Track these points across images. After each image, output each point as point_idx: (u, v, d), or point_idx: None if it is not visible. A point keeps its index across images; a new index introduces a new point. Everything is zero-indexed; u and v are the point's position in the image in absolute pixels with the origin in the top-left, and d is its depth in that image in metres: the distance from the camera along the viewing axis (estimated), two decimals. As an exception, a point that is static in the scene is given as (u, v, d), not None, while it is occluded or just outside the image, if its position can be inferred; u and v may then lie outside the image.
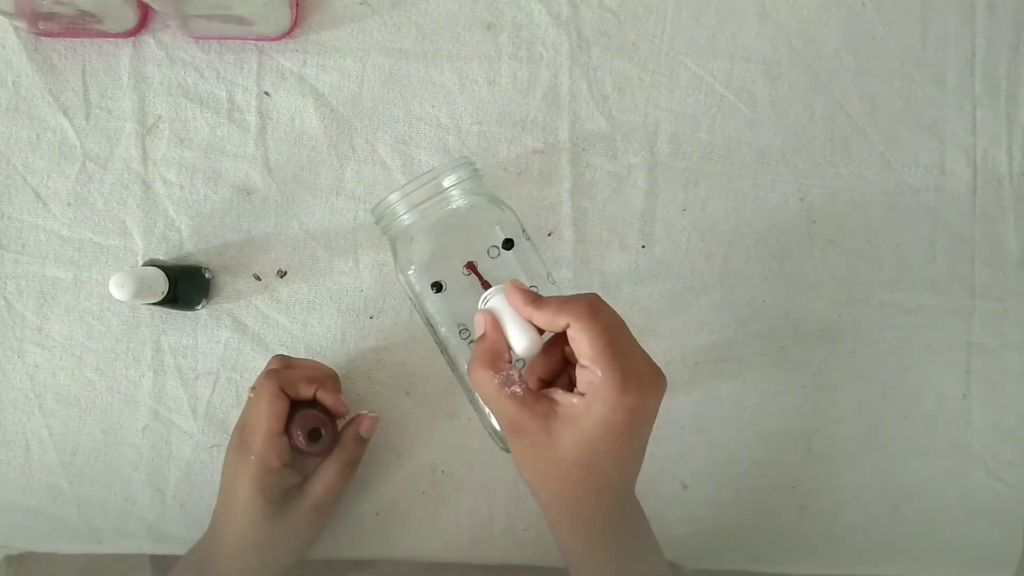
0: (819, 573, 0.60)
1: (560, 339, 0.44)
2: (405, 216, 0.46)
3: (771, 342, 0.58)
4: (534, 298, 0.42)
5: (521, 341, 0.42)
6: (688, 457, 0.58)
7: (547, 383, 0.44)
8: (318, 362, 0.53)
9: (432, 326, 0.48)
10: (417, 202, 0.46)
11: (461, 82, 0.57)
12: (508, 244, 0.47)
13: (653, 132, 0.58)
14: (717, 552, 0.59)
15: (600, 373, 0.39)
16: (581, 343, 0.39)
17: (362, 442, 0.53)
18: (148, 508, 0.56)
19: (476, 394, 0.48)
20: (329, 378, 0.52)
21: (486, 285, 0.46)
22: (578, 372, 0.40)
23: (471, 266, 0.47)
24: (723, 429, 0.58)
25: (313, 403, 0.51)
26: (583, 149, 0.58)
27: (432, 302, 0.47)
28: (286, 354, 0.53)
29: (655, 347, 0.57)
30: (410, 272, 0.47)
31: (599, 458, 0.40)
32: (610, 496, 0.43)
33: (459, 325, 0.47)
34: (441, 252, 0.47)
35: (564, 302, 0.41)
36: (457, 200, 0.47)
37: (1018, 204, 0.59)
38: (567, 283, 0.57)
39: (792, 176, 0.58)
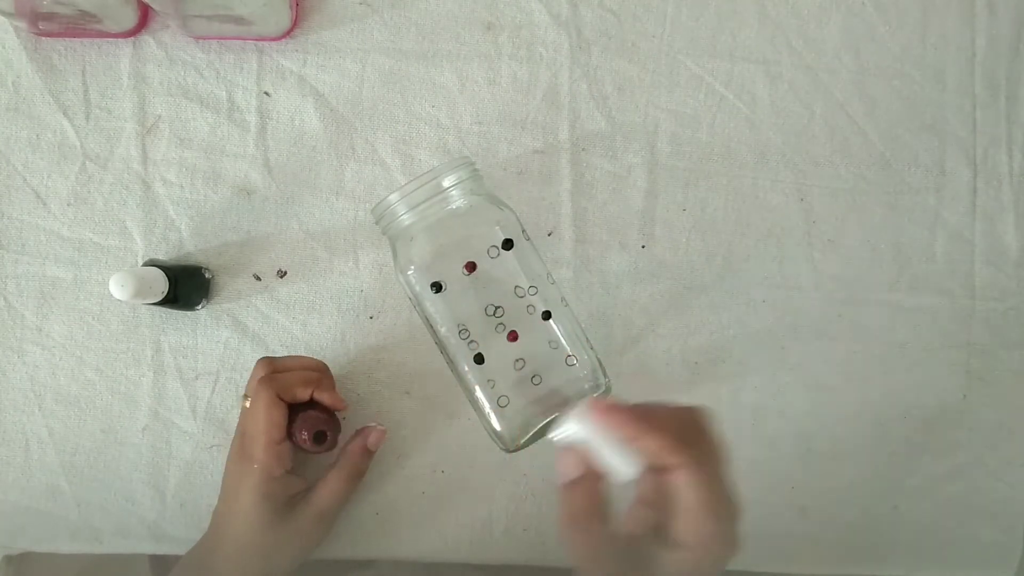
0: (819, 573, 0.60)
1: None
2: (405, 216, 0.46)
3: (771, 342, 0.58)
4: (635, 414, 0.36)
5: (626, 469, 0.36)
6: (688, 457, 0.58)
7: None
8: (306, 357, 0.53)
9: (432, 326, 0.48)
10: (417, 202, 0.46)
11: (461, 82, 0.57)
12: (508, 244, 0.47)
13: (653, 132, 0.58)
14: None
15: (713, 528, 0.36)
16: (695, 491, 0.36)
17: (369, 455, 0.53)
18: (148, 508, 0.56)
19: (476, 395, 0.48)
20: (323, 375, 0.52)
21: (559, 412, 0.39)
22: (680, 515, 0.36)
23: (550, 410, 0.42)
24: (723, 429, 0.58)
25: (311, 403, 0.50)
26: (583, 149, 0.58)
27: (432, 302, 0.47)
28: (274, 355, 0.52)
29: (655, 347, 0.58)
30: (410, 272, 0.47)
31: None
32: None
33: (459, 325, 0.47)
34: (441, 252, 0.47)
35: (677, 438, 0.36)
36: (457, 200, 0.47)
37: (1018, 204, 0.59)
38: (567, 283, 0.57)
39: (792, 176, 0.58)
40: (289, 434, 0.49)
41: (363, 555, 0.57)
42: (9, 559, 0.57)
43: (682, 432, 0.37)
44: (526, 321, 0.48)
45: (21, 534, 0.56)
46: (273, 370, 0.49)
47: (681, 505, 0.36)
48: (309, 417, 0.49)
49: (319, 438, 0.49)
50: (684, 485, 0.36)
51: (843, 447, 0.59)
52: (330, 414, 0.51)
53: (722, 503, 0.37)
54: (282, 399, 0.48)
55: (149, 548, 0.57)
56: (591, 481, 0.37)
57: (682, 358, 0.58)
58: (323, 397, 0.50)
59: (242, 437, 0.49)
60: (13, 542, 0.57)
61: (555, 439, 0.39)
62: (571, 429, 0.38)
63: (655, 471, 0.38)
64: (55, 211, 0.55)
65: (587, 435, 0.37)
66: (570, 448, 0.38)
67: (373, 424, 0.53)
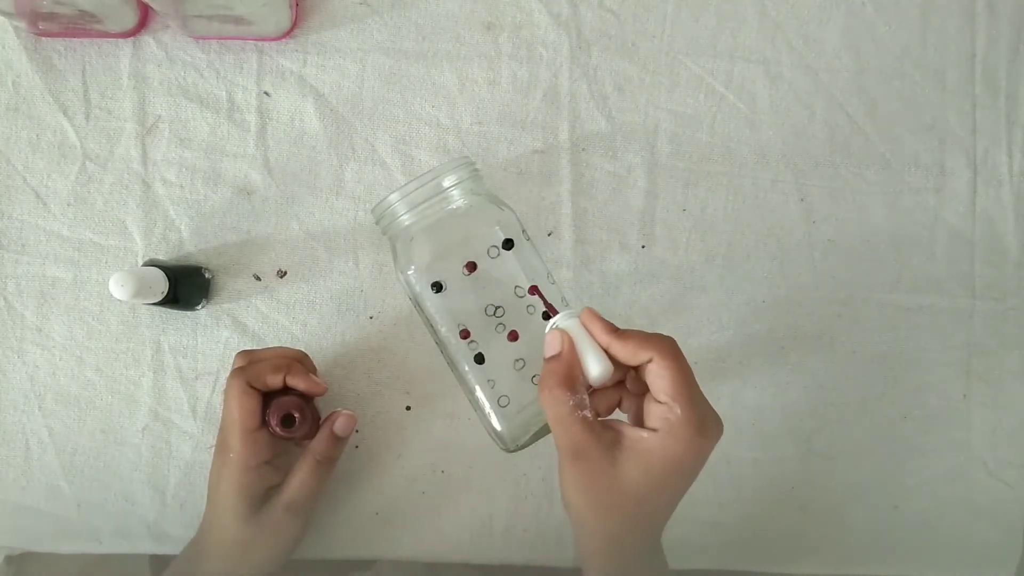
0: (819, 573, 0.60)
1: (624, 366, 0.43)
2: (405, 216, 0.46)
3: (771, 342, 0.58)
4: (615, 328, 0.42)
5: (596, 367, 0.41)
6: (688, 457, 0.58)
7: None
8: (283, 348, 0.52)
9: (432, 326, 0.48)
10: (417, 202, 0.46)
11: (461, 82, 0.57)
12: (508, 244, 0.47)
13: (653, 132, 0.58)
14: (717, 552, 0.59)
15: (679, 412, 0.39)
16: (663, 379, 0.40)
17: (337, 440, 0.51)
18: (148, 508, 0.56)
19: (476, 395, 0.48)
20: (296, 361, 0.51)
21: (552, 309, 0.45)
22: (651, 407, 0.41)
23: (535, 290, 0.47)
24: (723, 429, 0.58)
25: (289, 390, 0.50)
26: (583, 149, 0.58)
27: (432, 302, 0.47)
28: (252, 348, 0.52)
29: (655, 347, 0.57)
30: (410, 272, 0.47)
31: (657, 494, 0.41)
32: (653, 531, 0.44)
33: (459, 325, 0.47)
34: (441, 252, 0.47)
35: (647, 337, 0.41)
36: (457, 200, 0.47)
37: (1018, 204, 0.59)
38: (567, 283, 0.57)
39: (792, 176, 0.58)
40: (265, 423, 0.49)
41: (363, 555, 0.57)
42: (9, 559, 0.57)
43: (651, 335, 0.41)
44: (526, 321, 0.48)
45: (21, 534, 0.56)
46: (248, 361, 0.49)
47: (656, 396, 0.40)
48: (279, 402, 0.48)
49: (287, 422, 0.48)
50: (654, 375, 0.40)
51: (843, 447, 0.59)
52: (306, 400, 0.50)
53: (691, 393, 0.40)
54: (254, 387, 0.48)
55: (149, 548, 0.57)
56: (568, 358, 0.42)
57: (682, 358, 0.58)
58: (296, 382, 0.49)
59: (220, 430, 0.49)
60: (13, 542, 0.57)
61: (547, 328, 0.44)
62: (561, 322, 0.43)
63: (636, 382, 0.43)
64: (55, 211, 0.55)
65: (573, 329, 0.43)
66: (562, 331, 0.43)
67: (340, 409, 0.52)
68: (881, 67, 0.59)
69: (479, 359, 0.47)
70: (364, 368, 0.56)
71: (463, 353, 0.47)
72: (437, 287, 0.46)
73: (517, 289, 0.47)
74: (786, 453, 0.59)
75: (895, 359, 0.59)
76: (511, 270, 0.47)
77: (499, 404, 0.47)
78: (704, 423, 0.40)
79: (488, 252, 0.47)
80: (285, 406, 0.48)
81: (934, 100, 0.59)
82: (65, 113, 0.55)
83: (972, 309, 0.59)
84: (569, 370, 0.41)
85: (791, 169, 0.58)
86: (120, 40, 0.56)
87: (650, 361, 0.40)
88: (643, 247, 0.58)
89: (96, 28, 0.54)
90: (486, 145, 0.57)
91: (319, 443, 0.50)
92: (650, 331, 0.42)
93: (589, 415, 0.41)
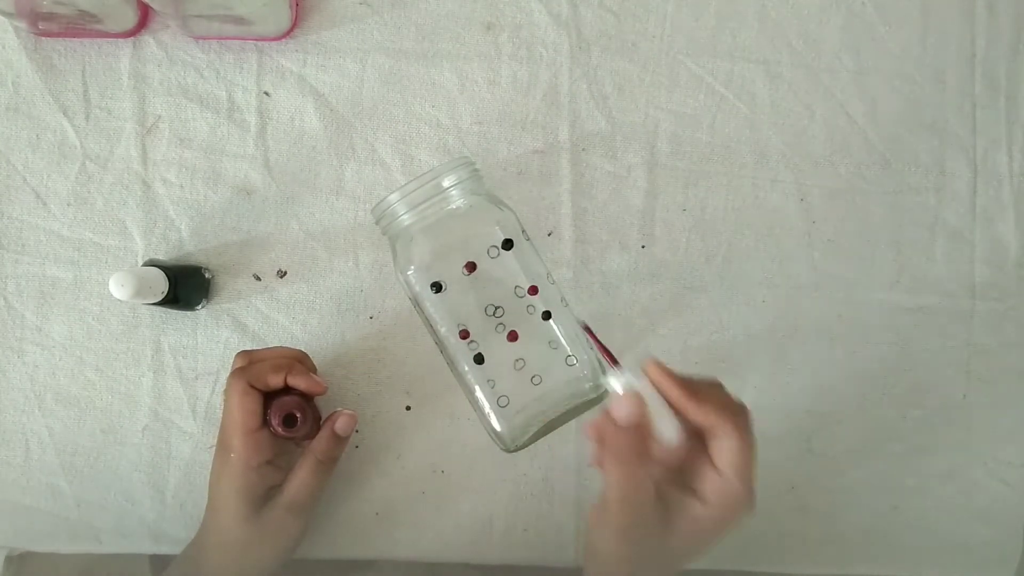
0: (819, 573, 0.60)
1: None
2: (405, 216, 0.46)
3: (771, 342, 0.58)
4: (689, 387, 0.40)
5: (670, 433, 0.40)
6: (688, 457, 0.58)
7: None
8: (284, 347, 0.52)
9: (432, 326, 0.48)
10: (417, 202, 0.46)
11: (461, 82, 0.57)
12: (508, 244, 0.47)
13: (653, 132, 0.58)
14: (717, 552, 0.58)
15: (739, 487, 0.39)
16: (731, 453, 0.39)
17: (338, 440, 0.51)
18: (148, 508, 0.56)
19: (476, 395, 0.48)
20: (297, 360, 0.51)
21: (611, 359, 0.42)
22: (708, 474, 0.40)
23: (587, 329, 0.44)
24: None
25: (290, 390, 0.50)
26: (583, 149, 0.58)
27: (432, 302, 0.47)
28: (252, 348, 0.52)
29: (655, 347, 0.58)
30: (410, 272, 0.47)
31: (696, 554, 0.42)
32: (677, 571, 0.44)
33: (458, 325, 0.47)
34: (441, 252, 0.47)
35: (724, 404, 0.40)
36: (457, 200, 0.47)
37: (1018, 204, 0.59)
38: (567, 283, 0.57)
39: (792, 176, 0.58)
40: (267, 422, 0.49)
41: (363, 555, 0.57)
42: (9, 559, 0.57)
43: (727, 403, 0.40)
44: (526, 321, 0.48)
45: (21, 534, 0.56)
46: (249, 361, 0.49)
47: (713, 462, 0.40)
48: (281, 402, 0.48)
49: (289, 421, 0.48)
50: (723, 447, 0.39)
51: (843, 447, 0.59)
52: (307, 399, 0.50)
53: (751, 471, 0.40)
54: (255, 388, 0.48)
55: (149, 548, 0.57)
56: (644, 428, 0.40)
57: (682, 358, 0.58)
58: (297, 382, 0.49)
59: (221, 430, 0.49)
60: (13, 542, 0.57)
61: (609, 384, 0.41)
62: (627, 381, 0.40)
63: (694, 436, 0.41)
64: (55, 211, 0.55)
65: (643, 389, 0.40)
66: (637, 394, 0.40)
67: (340, 409, 0.52)
68: (881, 67, 0.59)
69: (479, 359, 0.47)
70: (364, 368, 0.56)
71: (463, 353, 0.47)
72: (437, 287, 0.46)
73: (517, 289, 0.47)
74: (786, 453, 0.59)
75: (895, 359, 0.59)
76: (511, 270, 0.47)
77: (499, 404, 0.47)
78: (753, 498, 0.40)
79: (488, 252, 0.47)
80: (286, 406, 0.48)
81: (934, 100, 0.59)
82: (65, 113, 0.55)
83: (972, 309, 0.59)
84: (646, 443, 0.39)
85: (791, 169, 0.58)
86: (120, 40, 0.56)
87: (720, 429, 0.39)
88: (643, 247, 0.58)
89: (96, 28, 0.54)
90: (486, 145, 0.57)
91: (320, 443, 0.50)
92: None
93: (652, 488, 0.40)
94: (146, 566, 0.59)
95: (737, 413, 0.40)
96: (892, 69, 0.59)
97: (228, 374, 0.50)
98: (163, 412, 0.56)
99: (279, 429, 0.48)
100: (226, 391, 0.48)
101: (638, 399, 0.39)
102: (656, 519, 0.40)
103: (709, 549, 0.43)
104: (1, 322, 0.55)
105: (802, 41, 0.59)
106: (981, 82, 0.59)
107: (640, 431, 0.40)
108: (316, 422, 0.50)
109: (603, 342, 0.43)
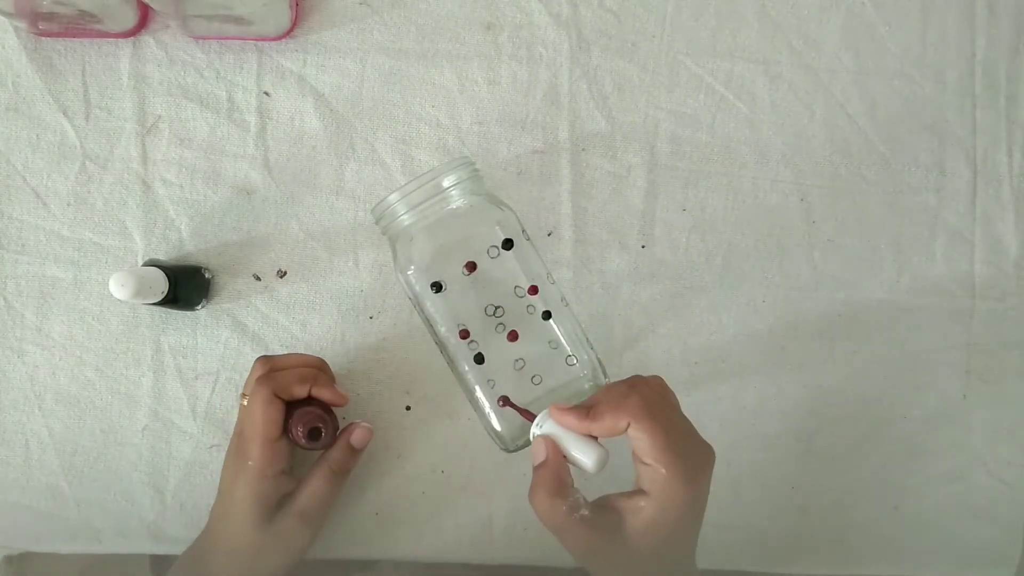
0: (819, 573, 0.60)
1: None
2: (405, 216, 0.46)
3: (771, 342, 0.58)
4: (585, 411, 0.42)
5: (590, 458, 0.42)
6: (688, 457, 0.58)
7: None
8: (304, 355, 0.52)
9: (432, 326, 0.48)
10: (417, 202, 0.46)
11: (461, 82, 0.57)
12: (508, 244, 0.47)
13: (653, 132, 0.58)
14: (717, 552, 0.59)
15: (664, 471, 0.40)
16: (641, 442, 0.40)
17: (353, 452, 0.52)
18: (148, 508, 0.56)
19: (476, 395, 0.48)
20: (321, 371, 0.51)
21: (528, 416, 0.45)
22: (640, 468, 0.41)
23: (505, 400, 0.47)
24: (723, 429, 0.58)
25: (309, 399, 0.50)
26: (583, 149, 0.58)
27: (432, 302, 0.47)
28: (269, 354, 0.52)
29: (655, 347, 0.58)
30: (410, 272, 0.47)
31: (672, 544, 0.42)
32: (680, 568, 0.44)
33: (458, 325, 0.47)
34: (441, 252, 0.47)
35: (617, 405, 0.41)
36: (457, 200, 0.47)
37: (1018, 204, 0.59)
38: (567, 283, 0.57)
39: (792, 176, 0.58)
40: (286, 431, 0.49)
41: (363, 555, 0.57)
42: (9, 559, 0.57)
43: (621, 400, 0.41)
44: (526, 321, 0.48)
45: (21, 534, 0.56)
46: (271, 368, 0.49)
47: (636, 453, 0.41)
48: (305, 414, 0.49)
49: (314, 434, 0.48)
50: (633, 440, 0.41)
51: (843, 447, 0.59)
52: (327, 410, 0.50)
53: (672, 448, 0.40)
54: (279, 397, 0.48)
55: (149, 548, 0.57)
56: (554, 463, 0.42)
57: (682, 358, 0.58)
58: (322, 393, 0.49)
59: (239, 436, 0.49)
60: (13, 542, 0.57)
61: (531, 435, 0.45)
62: (542, 427, 0.44)
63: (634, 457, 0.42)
64: (55, 211, 0.55)
65: (553, 430, 0.43)
66: (544, 436, 0.44)
67: (357, 421, 0.53)
68: (881, 67, 0.59)
69: (479, 359, 0.47)
70: (364, 368, 0.56)
71: (463, 353, 0.47)
72: (437, 287, 0.46)
73: (517, 289, 0.48)
74: (786, 453, 0.59)
75: (895, 359, 0.59)
76: (511, 270, 0.47)
77: (499, 404, 0.47)
78: (691, 468, 0.40)
79: (488, 252, 0.47)
80: (311, 418, 0.49)
81: (934, 100, 0.59)
82: (65, 113, 0.55)
83: (972, 309, 0.59)
84: (556, 476, 0.42)
85: (791, 169, 0.58)
86: (120, 40, 0.56)
87: (628, 426, 0.41)
88: (643, 247, 0.58)
89: (96, 28, 0.54)
90: (486, 145, 0.57)
91: (336, 453, 0.51)
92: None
93: (587, 513, 0.41)
94: (146, 566, 0.59)
95: (632, 403, 0.41)
96: (892, 69, 0.59)
97: (247, 379, 0.50)
98: (163, 412, 0.56)
99: (303, 441, 0.48)
100: (248, 397, 0.48)
101: (542, 441, 0.43)
102: (608, 532, 0.41)
103: (688, 535, 0.43)
104: (1, 322, 0.55)
105: (802, 41, 0.59)
106: (981, 82, 0.59)
107: (551, 467, 0.42)
108: (335, 432, 0.51)
109: (518, 405, 0.47)
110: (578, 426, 0.42)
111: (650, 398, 0.41)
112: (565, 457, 0.43)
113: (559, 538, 0.42)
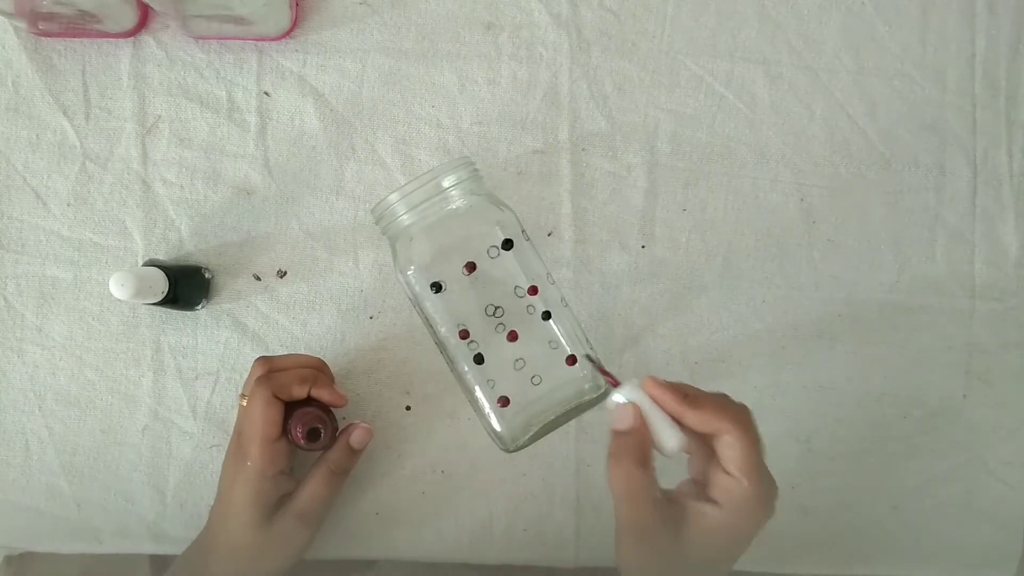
0: (819, 573, 0.60)
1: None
2: (405, 216, 0.46)
3: (771, 342, 0.58)
4: (684, 395, 0.41)
5: (672, 441, 0.41)
6: (688, 457, 0.58)
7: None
8: (303, 355, 0.52)
9: (432, 326, 0.48)
10: (417, 202, 0.46)
11: (461, 82, 0.57)
12: (508, 244, 0.47)
13: (653, 132, 0.58)
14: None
15: (747, 487, 0.39)
16: (734, 451, 0.40)
17: (352, 452, 0.52)
18: (148, 508, 0.56)
19: (476, 395, 0.48)
20: (320, 372, 0.51)
21: (613, 380, 0.44)
22: (718, 476, 0.40)
23: (601, 370, 0.46)
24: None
25: (308, 400, 0.50)
26: (583, 149, 0.58)
27: (432, 302, 0.47)
28: (269, 354, 0.53)
29: (655, 347, 0.58)
30: (410, 272, 0.47)
31: (719, 563, 0.41)
32: None
33: (458, 325, 0.47)
34: (441, 252, 0.47)
35: (722, 406, 0.41)
36: (457, 200, 0.47)
37: (1018, 204, 0.59)
38: (567, 283, 0.57)
39: (792, 176, 0.58)
40: (286, 432, 0.49)
41: (363, 555, 0.57)
42: (9, 559, 0.57)
43: (724, 402, 0.41)
44: (526, 321, 0.48)
45: (21, 534, 0.57)
46: (270, 369, 0.49)
47: (722, 465, 0.40)
48: (304, 414, 0.49)
49: (313, 435, 0.48)
50: (726, 446, 0.40)
51: (843, 447, 0.59)
52: (327, 411, 0.50)
53: (760, 468, 0.40)
54: (279, 398, 0.48)
55: (149, 548, 0.57)
56: (640, 432, 0.41)
57: (682, 358, 0.58)
58: (321, 394, 0.49)
59: (238, 436, 0.49)
60: (13, 542, 0.57)
61: (610, 403, 0.43)
62: (628, 394, 0.42)
63: (701, 442, 0.42)
64: (55, 211, 0.55)
65: (641, 401, 0.41)
66: (633, 404, 0.42)
67: (357, 421, 0.53)
68: (881, 67, 0.59)
69: (479, 359, 0.47)
70: (364, 368, 0.56)
71: (463, 353, 0.47)
72: (437, 287, 0.46)
73: (517, 289, 0.47)
74: (786, 453, 0.59)
75: (895, 359, 0.59)
76: (511, 270, 0.47)
77: (499, 404, 0.47)
78: (768, 496, 0.40)
79: (488, 252, 0.47)
80: (311, 419, 0.49)
81: (934, 100, 0.59)
82: (65, 113, 0.55)
83: (972, 309, 0.59)
84: (642, 446, 0.41)
85: (791, 169, 0.58)
86: (120, 40, 0.56)
87: (724, 431, 0.40)
88: (643, 247, 0.58)
89: (96, 28, 0.54)
90: (486, 145, 0.57)
91: (335, 454, 0.51)
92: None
93: (659, 494, 0.40)
94: (146, 566, 0.59)
95: (736, 412, 0.41)
96: (892, 69, 0.59)
97: (246, 379, 0.50)
98: (163, 412, 0.56)
99: (302, 442, 0.48)
100: (248, 398, 0.48)
101: (632, 409, 0.41)
102: (669, 525, 0.40)
103: (733, 557, 0.42)
104: (1, 322, 0.55)
105: (802, 41, 0.59)
106: (981, 82, 0.59)
107: (636, 436, 0.41)
108: (334, 433, 0.51)
109: (601, 365, 0.46)
110: (673, 406, 0.41)
111: (751, 418, 0.41)
112: None
113: (623, 509, 0.41)
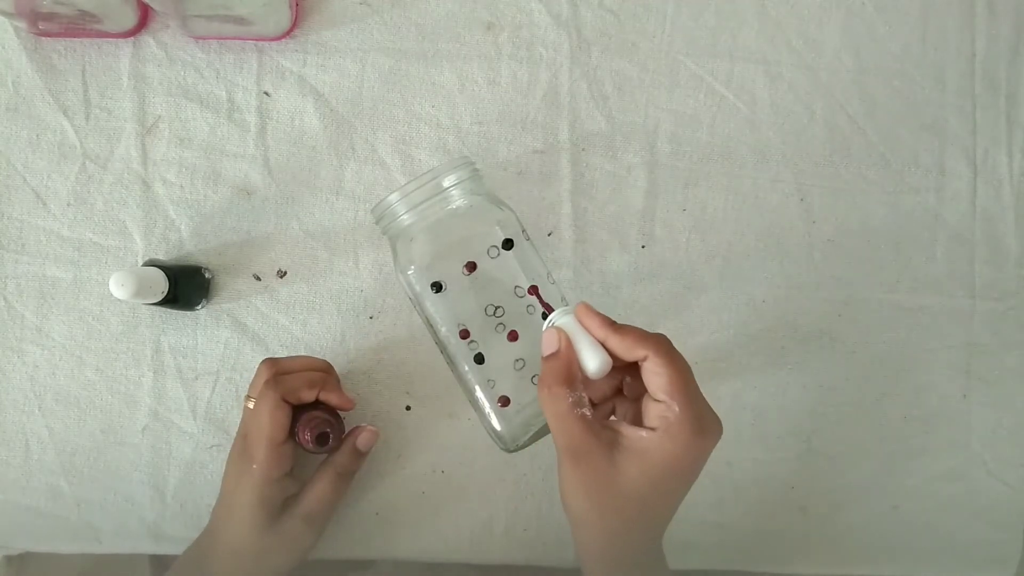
0: (819, 573, 0.60)
1: (621, 370, 0.43)
2: (405, 216, 0.46)
3: (771, 342, 0.58)
4: (611, 322, 0.42)
5: (594, 360, 0.41)
6: (688, 457, 0.58)
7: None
8: (310, 358, 0.52)
9: (432, 326, 0.48)
10: (417, 202, 0.46)
11: (461, 82, 0.57)
12: (508, 244, 0.47)
13: (653, 132, 0.58)
14: (717, 552, 0.59)
15: (677, 410, 0.39)
16: (659, 377, 0.40)
17: (358, 455, 0.52)
18: (148, 508, 0.56)
19: (476, 395, 0.48)
20: (328, 376, 0.51)
21: (548, 307, 0.45)
22: (650, 406, 0.40)
23: (533, 290, 0.46)
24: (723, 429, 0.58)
25: (315, 402, 0.50)
26: (583, 149, 0.58)
27: (432, 302, 0.47)
28: (275, 356, 0.52)
29: (655, 347, 0.57)
30: (410, 272, 0.47)
31: (657, 495, 0.41)
32: (654, 533, 0.44)
33: (458, 325, 0.47)
34: (441, 252, 0.47)
35: (644, 334, 0.41)
36: (457, 200, 0.47)
37: (1018, 204, 0.59)
38: (567, 283, 0.57)
39: (792, 176, 0.58)
40: (292, 435, 0.49)
41: (363, 555, 0.57)
42: (9, 559, 0.57)
43: (647, 332, 0.41)
44: (526, 321, 0.48)
45: (21, 534, 0.56)
46: (277, 371, 0.49)
47: (652, 393, 0.40)
48: (312, 418, 0.49)
49: (322, 439, 0.49)
50: (652, 373, 0.40)
51: (843, 447, 0.59)
52: (334, 414, 0.51)
53: (689, 393, 0.39)
54: (287, 401, 0.48)
55: (149, 548, 0.57)
56: (566, 355, 0.42)
57: (682, 358, 0.58)
58: (330, 398, 0.50)
59: (244, 438, 0.49)
60: (13, 542, 0.57)
61: (544, 327, 0.44)
62: (558, 320, 0.43)
63: (629, 371, 0.43)
64: (55, 211, 0.55)
65: (570, 326, 0.43)
66: (559, 329, 0.43)
67: (364, 424, 0.53)
68: (881, 67, 0.59)
69: (479, 359, 0.47)
70: (364, 368, 0.56)
71: (463, 353, 0.47)
72: (437, 287, 0.46)
73: (517, 289, 0.47)
74: (786, 453, 0.59)
75: (895, 359, 0.59)
76: (511, 270, 0.47)
77: (499, 404, 0.47)
78: (703, 423, 0.40)
79: (488, 252, 0.47)
80: (319, 423, 0.49)
81: (934, 100, 0.59)
82: (65, 113, 0.55)
83: (972, 309, 0.59)
84: (568, 367, 0.41)
85: (791, 169, 0.58)
86: (120, 40, 0.56)
87: (646, 358, 0.40)
88: (643, 247, 0.58)
89: (96, 28, 0.54)
90: (486, 145, 0.57)
91: (342, 456, 0.51)
92: (650, 330, 0.42)
93: (588, 413, 0.40)
94: (146, 566, 0.59)
95: (656, 338, 0.41)
96: (892, 69, 0.59)
97: (252, 381, 0.50)
98: (163, 412, 0.56)
99: (311, 446, 0.48)
100: (255, 400, 0.48)
101: (557, 332, 0.42)
102: (603, 448, 0.40)
103: (676, 491, 0.42)
104: (1, 322, 0.55)
105: (802, 41, 0.59)
106: (981, 82, 0.59)
107: (563, 359, 0.41)
108: (341, 436, 0.51)
109: (542, 297, 0.47)
110: (599, 331, 0.42)
111: (672, 345, 0.41)
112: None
113: (555, 430, 0.41)
